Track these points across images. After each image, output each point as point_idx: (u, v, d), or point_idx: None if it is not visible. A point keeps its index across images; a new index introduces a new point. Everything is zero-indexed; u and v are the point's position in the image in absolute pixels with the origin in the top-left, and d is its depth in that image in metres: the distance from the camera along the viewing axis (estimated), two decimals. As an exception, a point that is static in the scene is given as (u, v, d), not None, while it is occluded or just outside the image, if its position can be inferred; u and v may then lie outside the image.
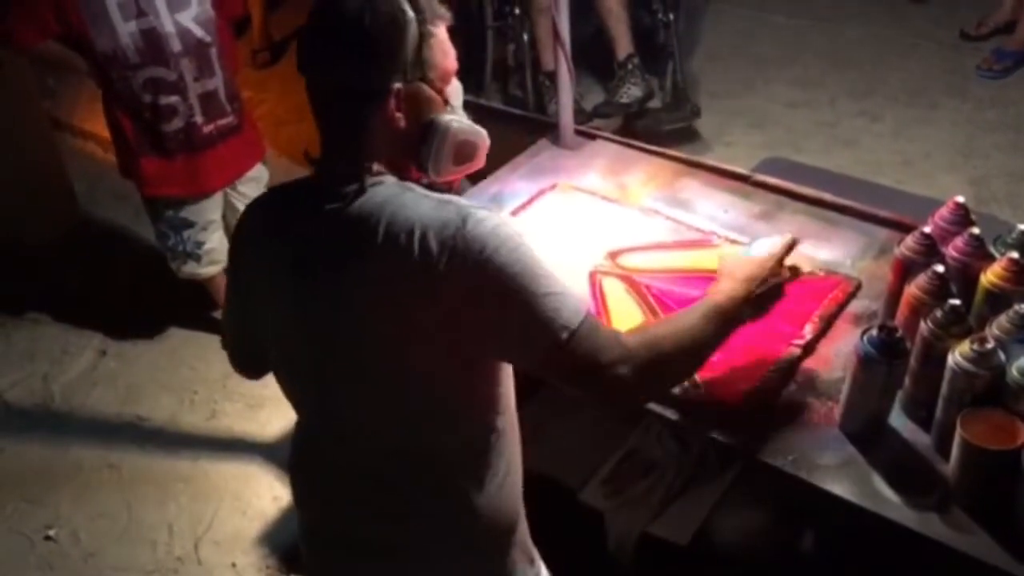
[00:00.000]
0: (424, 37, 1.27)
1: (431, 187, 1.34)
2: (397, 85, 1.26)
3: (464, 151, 1.36)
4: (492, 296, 1.21)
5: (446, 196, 1.28)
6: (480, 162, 1.41)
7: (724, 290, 1.41)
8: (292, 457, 1.50)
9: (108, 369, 3.07)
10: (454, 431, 1.33)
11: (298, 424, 1.48)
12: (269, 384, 3.17)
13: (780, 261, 1.53)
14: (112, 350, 3.13)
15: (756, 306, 1.47)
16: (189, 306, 3.12)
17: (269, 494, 2.60)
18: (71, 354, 3.13)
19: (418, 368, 1.27)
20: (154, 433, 2.82)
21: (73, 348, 3.15)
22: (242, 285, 1.44)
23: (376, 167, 1.29)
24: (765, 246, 1.53)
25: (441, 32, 1.31)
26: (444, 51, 1.31)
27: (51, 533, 2.56)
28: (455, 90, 1.41)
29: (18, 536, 2.56)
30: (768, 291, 1.50)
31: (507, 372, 1.36)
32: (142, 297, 3.28)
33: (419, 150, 1.31)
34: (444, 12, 1.31)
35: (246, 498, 2.59)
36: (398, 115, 1.27)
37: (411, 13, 1.25)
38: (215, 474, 2.68)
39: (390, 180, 1.30)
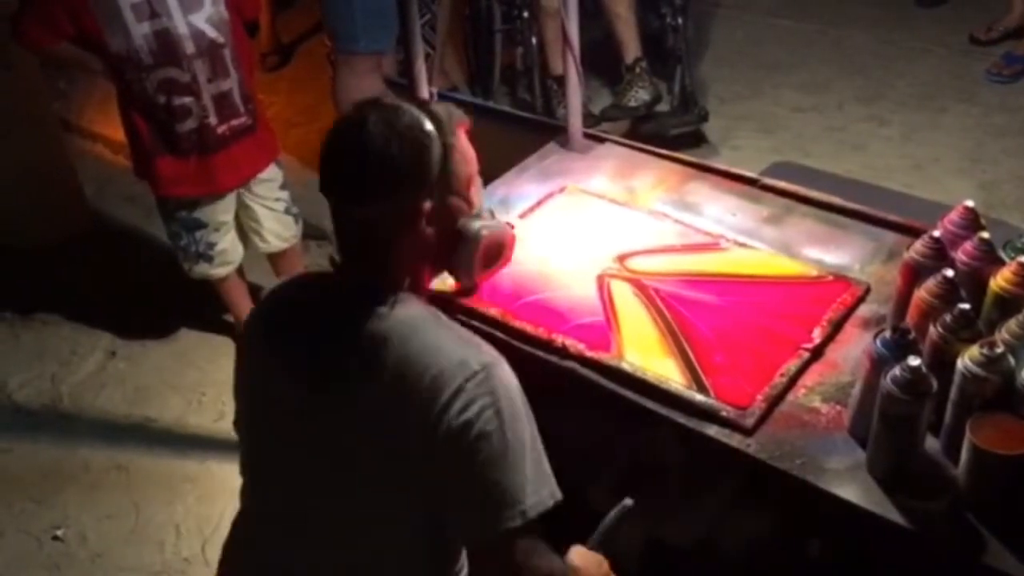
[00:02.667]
0: (447, 150, 1.27)
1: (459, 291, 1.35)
2: (427, 204, 1.25)
3: (493, 252, 1.37)
4: (475, 448, 1.18)
5: (470, 337, 1.26)
6: (509, 259, 1.41)
7: None
8: (230, 549, 1.47)
9: (117, 370, 3.08)
10: (407, 568, 1.31)
11: (243, 514, 1.46)
12: (277, 386, 3.12)
13: None
14: (121, 351, 3.14)
15: None
16: (198, 308, 3.13)
17: (276, 496, 2.60)
18: (80, 355, 3.14)
19: (387, 498, 1.25)
20: (162, 434, 2.83)
21: (82, 349, 3.16)
22: (244, 372, 1.45)
23: (403, 280, 1.29)
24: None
25: (461, 139, 1.31)
26: (466, 159, 1.32)
27: (59, 533, 2.56)
28: (478, 189, 1.40)
29: (26, 536, 2.57)
30: None
31: None
32: (151, 298, 3.29)
33: (450, 259, 1.32)
34: (462, 116, 1.32)
35: (253, 500, 2.60)
36: (428, 231, 1.27)
37: (432, 129, 1.26)
38: (223, 475, 2.68)
39: (413, 302, 1.28)
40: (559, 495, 1.23)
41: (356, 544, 1.30)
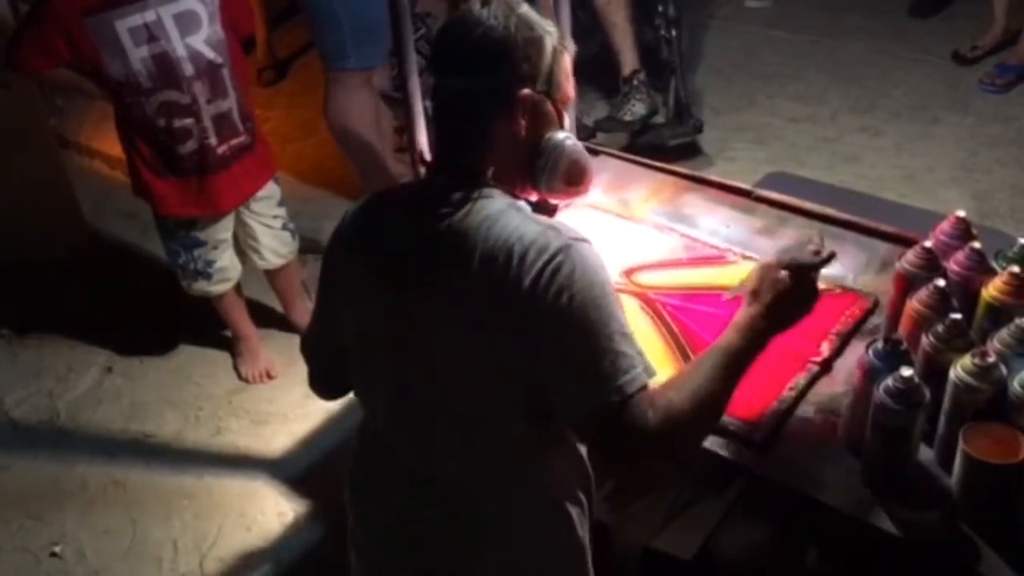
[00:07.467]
0: (556, 55, 1.32)
1: (536, 207, 1.36)
2: (527, 91, 1.29)
3: (575, 171, 1.38)
4: (567, 329, 1.20)
5: (552, 221, 1.28)
6: (586, 190, 1.43)
7: (745, 324, 1.30)
8: (355, 472, 1.48)
9: (114, 386, 3.07)
10: (520, 463, 1.33)
11: (363, 435, 1.47)
12: (274, 400, 3.18)
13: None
14: (118, 367, 3.14)
15: (782, 324, 1.34)
16: (195, 323, 3.13)
17: (274, 510, 2.60)
18: (77, 371, 3.13)
19: (491, 389, 1.27)
20: (159, 450, 2.83)
21: (79, 365, 3.16)
22: (330, 291, 1.43)
23: (490, 176, 1.30)
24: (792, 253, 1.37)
25: (567, 60, 1.35)
26: (568, 76, 1.36)
27: (56, 550, 2.56)
28: (566, 120, 1.42)
29: (24, 553, 2.57)
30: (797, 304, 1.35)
31: None
32: (148, 314, 3.29)
33: (534, 164, 1.34)
34: (571, 45, 1.38)
35: (251, 515, 2.60)
36: (522, 122, 1.30)
37: (551, 28, 1.32)
38: (220, 491, 2.68)
39: (498, 194, 1.29)
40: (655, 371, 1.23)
41: (472, 442, 1.31)
